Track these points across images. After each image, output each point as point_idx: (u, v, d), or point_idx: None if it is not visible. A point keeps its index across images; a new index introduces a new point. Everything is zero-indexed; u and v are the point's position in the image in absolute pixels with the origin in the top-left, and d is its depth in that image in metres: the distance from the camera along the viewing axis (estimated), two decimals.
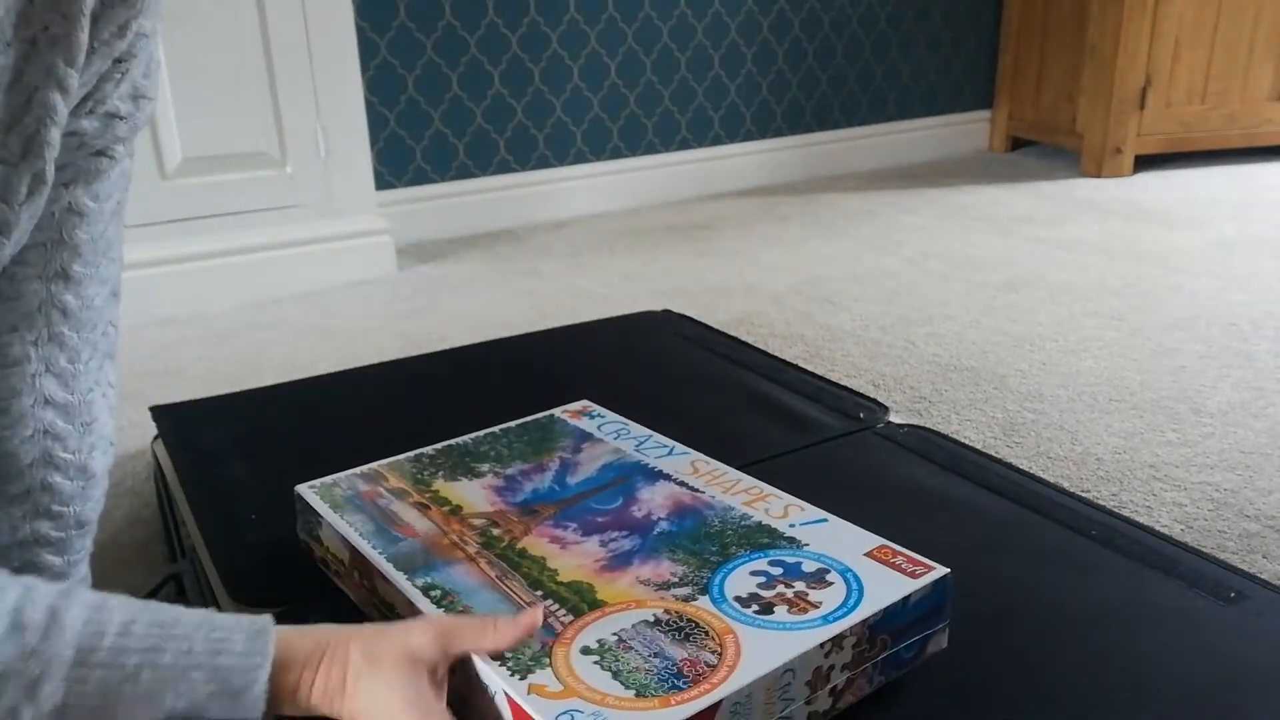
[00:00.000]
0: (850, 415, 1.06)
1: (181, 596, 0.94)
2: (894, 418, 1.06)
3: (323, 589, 0.76)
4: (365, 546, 0.72)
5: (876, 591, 0.64)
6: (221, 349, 1.72)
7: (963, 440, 1.05)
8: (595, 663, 0.59)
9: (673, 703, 0.56)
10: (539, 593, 0.66)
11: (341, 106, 1.98)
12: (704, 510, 0.75)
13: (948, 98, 3.09)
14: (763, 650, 0.60)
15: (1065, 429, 1.37)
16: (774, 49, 2.76)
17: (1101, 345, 1.65)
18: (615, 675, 0.58)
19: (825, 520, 0.73)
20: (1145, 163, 2.82)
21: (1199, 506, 1.17)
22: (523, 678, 0.58)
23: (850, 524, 0.72)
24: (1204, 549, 0.95)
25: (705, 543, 0.71)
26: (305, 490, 0.79)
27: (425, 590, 0.67)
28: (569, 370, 1.19)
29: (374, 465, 0.83)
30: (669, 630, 0.62)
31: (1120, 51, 2.69)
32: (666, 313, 1.42)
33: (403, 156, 2.35)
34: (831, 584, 0.66)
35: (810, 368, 1.41)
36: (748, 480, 0.80)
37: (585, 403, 0.95)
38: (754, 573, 0.67)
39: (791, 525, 0.73)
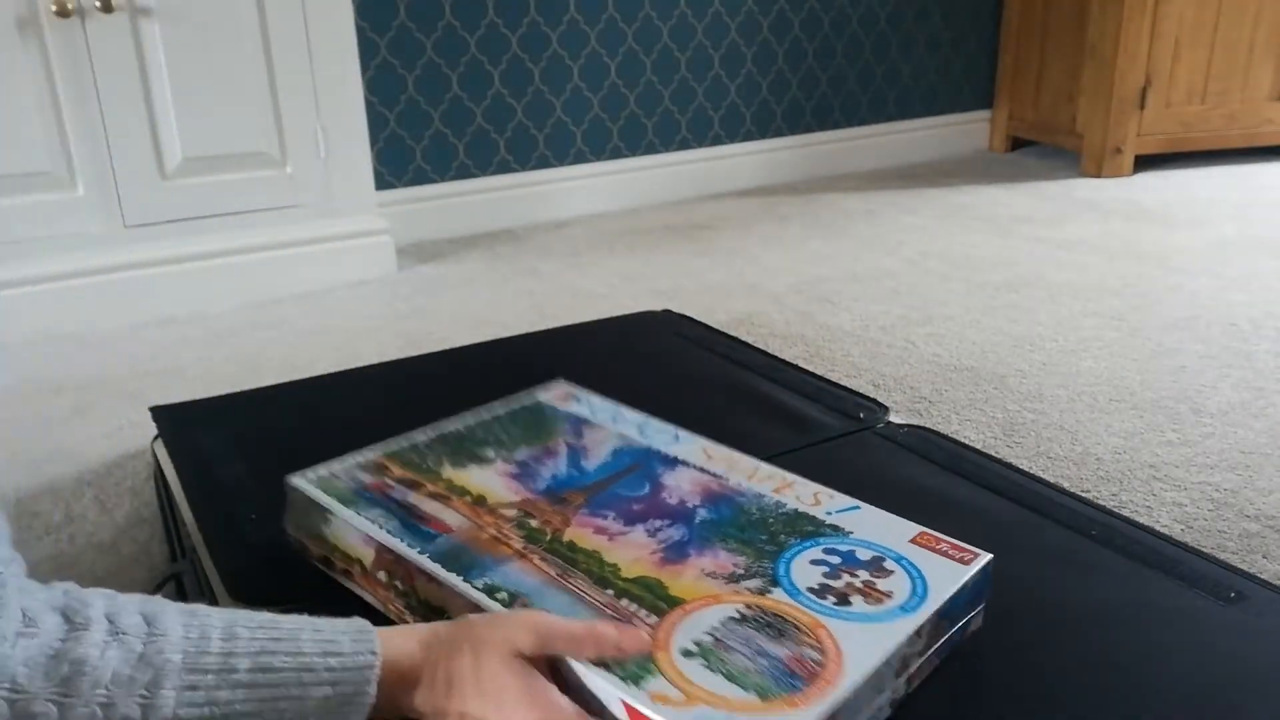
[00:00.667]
0: (850, 415, 1.06)
1: (181, 596, 0.94)
2: (894, 418, 1.06)
3: (324, 589, 0.76)
4: (400, 546, 0.69)
5: (936, 579, 0.65)
6: (221, 349, 1.72)
7: (963, 440, 1.05)
8: (703, 666, 0.58)
9: (799, 704, 0.55)
10: (609, 591, 0.64)
11: (341, 106, 1.98)
12: (736, 497, 0.74)
13: (948, 98, 3.09)
14: (859, 643, 0.59)
15: (1065, 429, 1.37)
16: (774, 49, 2.76)
17: (1101, 345, 1.65)
18: (729, 678, 0.57)
19: (858, 507, 0.73)
20: (1145, 163, 2.82)
21: (1199, 506, 1.17)
22: (638, 685, 0.56)
23: (881, 510, 0.72)
24: (1204, 549, 0.95)
25: (753, 531, 0.70)
26: (302, 483, 0.76)
27: (489, 592, 0.64)
28: (569, 370, 1.19)
29: (366, 454, 0.80)
30: (760, 627, 0.61)
31: (1120, 51, 2.69)
32: (666, 313, 1.42)
33: (403, 156, 2.35)
34: (892, 572, 0.66)
35: (810, 368, 1.41)
36: (765, 467, 0.78)
37: (562, 383, 0.93)
38: (814, 562, 0.67)
39: (828, 513, 0.72)
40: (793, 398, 1.11)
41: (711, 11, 2.64)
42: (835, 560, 0.67)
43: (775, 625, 0.61)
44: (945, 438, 1.01)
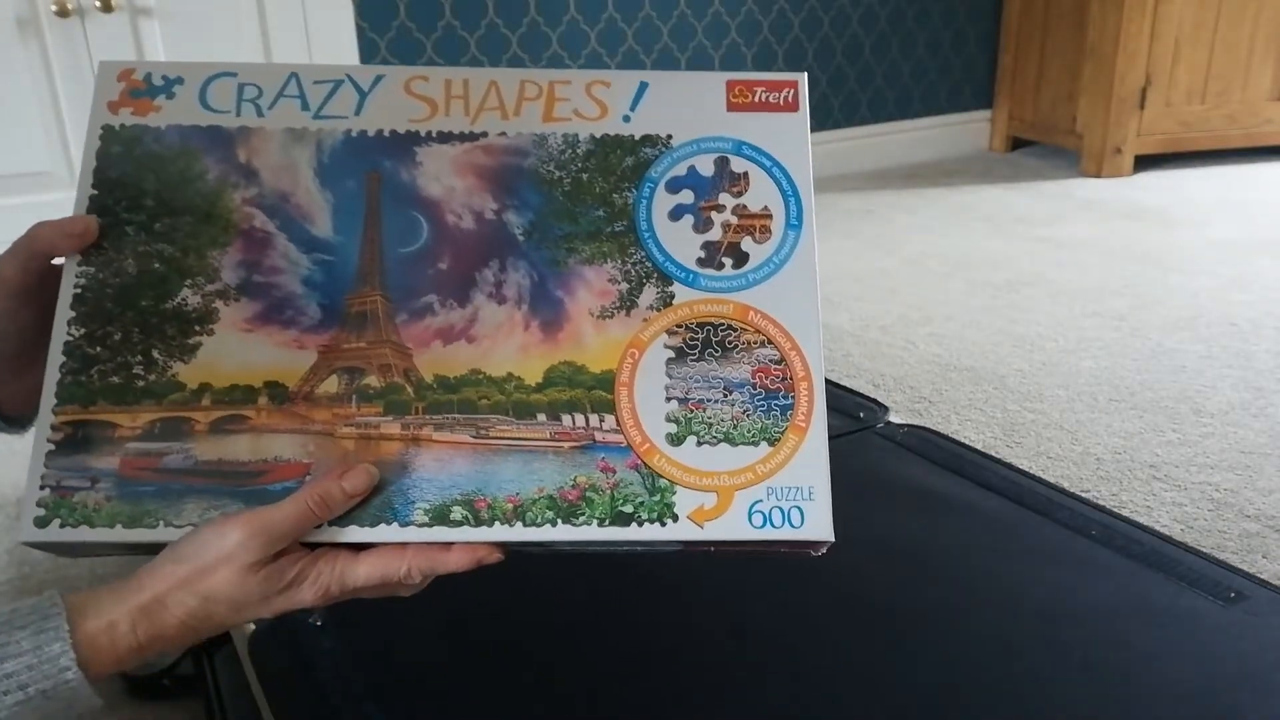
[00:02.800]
0: (850, 415, 1.06)
1: None
2: (894, 418, 1.06)
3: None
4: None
5: (786, 152, 0.57)
6: None
7: (963, 440, 1.05)
8: (697, 443, 0.52)
9: (802, 425, 0.52)
10: (540, 417, 0.53)
11: None
12: (521, 164, 0.57)
13: (948, 98, 3.09)
14: (789, 303, 0.55)
15: (1065, 429, 1.37)
16: (774, 49, 2.75)
17: (1101, 345, 1.65)
18: (731, 441, 0.52)
19: (646, 85, 0.59)
20: (1145, 163, 2.82)
21: (1199, 506, 1.17)
22: (675, 519, 0.51)
23: (673, 73, 0.59)
24: (1204, 549, 0.95)
25: (582, 209, 0.56)
26: (47, 533, 0.52)
27: (439, 518, 0.51)
28: None
29: (46, 418, 0.54)
30: (703, 352, 0.54)
31: (1120, 51, 2.69)
32: None
33: None
34: (744, 174, 0.57)
35: None
36: (503, 75, 0.59)
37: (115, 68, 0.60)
38: (671, 216, 0.57)
39: (625, 118, 0.58)
40: None
41: (711, 11, 2.63)
42: (687, 199, 0.57)
43: (711, 340, 0.54)
44: (945, 438, 1.01)
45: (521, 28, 2.40)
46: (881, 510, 0.86)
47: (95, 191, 0.57)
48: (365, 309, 0.55)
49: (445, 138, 0.57)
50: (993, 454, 1.06)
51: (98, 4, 1.72)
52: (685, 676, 0.68)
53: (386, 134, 0.57)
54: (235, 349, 0.54)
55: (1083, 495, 0.97)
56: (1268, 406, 1.42)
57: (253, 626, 0.73)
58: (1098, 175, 2.78)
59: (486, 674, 0.69)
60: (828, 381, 1.15)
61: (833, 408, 1.08)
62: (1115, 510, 0.90)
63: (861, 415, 1.06)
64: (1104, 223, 2.37)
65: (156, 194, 0.57)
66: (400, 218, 0.56)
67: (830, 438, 1.05)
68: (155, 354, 0.55)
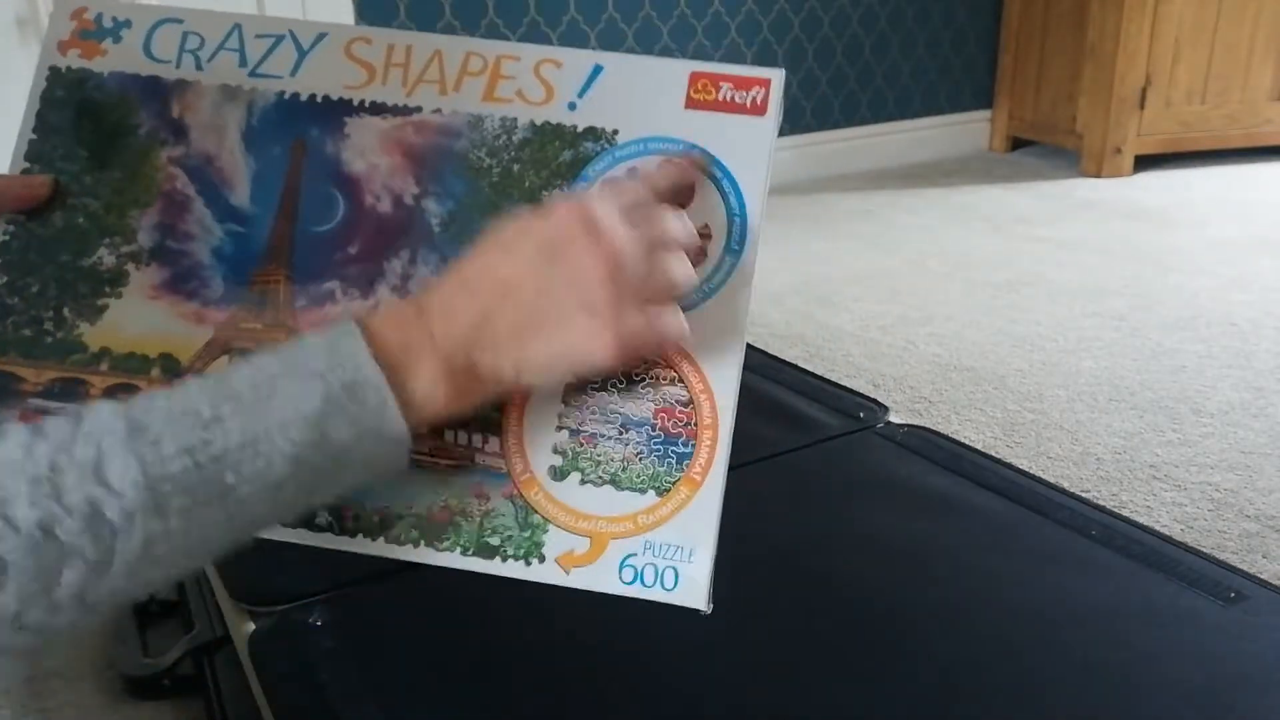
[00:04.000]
0: (850, 415, 1.06)
1: (181, 593, 0.94)
2: (894, 418, 1.06)
3: (325, 589, 0.76)
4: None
5: (741, 164, 0.51)
6: None
7: (963, 440, 1.05)
8: (580, 482, 0.48)
9: (697, 477, 0.48)
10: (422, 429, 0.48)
11: None
12: (453, 145, 0.52)
13: (948, 98, 3.09)
14: (710, 337, 0.49)
15: (1065, 429, 1.37)
16: (774, 49, 2.75)
17: (1101, 345, 1.65)
18: (616, 484, 0.48)
19: (600, 69, 0.52)
20: (1145, 163, 2.81)
21: (1199, 506, 1.17)
22: (541, 560, 0.47)
23: (633, 56, 0.54)
24: (1204, 549, 0.95)
25: (506, 203, 0.51)
26: None
27: (303, 522, 0.49)
28: None
29: None
30: (605, 382, 0.49)
31: (1120, 51, 2.69)
32: None
33: None
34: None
35: (810, 368, 1.41)
36: (448, 44, 0.54)
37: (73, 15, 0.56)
38: None
39: (571, 105, 0.52)
40: (793, 397, 1.11)
41: (711, 11, 2.63)
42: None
43: (616, 370, 0.49)
44: (945, 438, 1.01)
45: (521, 28, 2.40)
46: (881, 510, 0.86)
47: (35, 136, 0.55)
48: (268, 288, 0.52)
49: (377, 109, 0.53)
50: (993, 454, 1.06)
51: None
52: (685, 676, 0.68)
53: (319, 99, 0.53)
54: (138, 315, 0.52)
55: (1083, 495, 0.97)
56: (1268, 406, 1.42)
57: (253, 626, 0.73)
58: (1098, 175, 2.78)
59: (487, 674, 0.69)
60: (826, 381, 1.15)
61: (832, 408, 1.08)
62: (1115, 510, 0.90)
63: (861, 415, 1.06)
64: (1104, 223, 2.37)
65: (91, 145, 0.54)
66: (319, 193, 0.53)
67: (830, 438, 1.05)
68: (66, 311, 0.52)
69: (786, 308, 1.85)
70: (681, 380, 0.49)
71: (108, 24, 0.56)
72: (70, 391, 0.51)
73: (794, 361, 1.37)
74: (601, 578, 0.47)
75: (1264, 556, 1.07)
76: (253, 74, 0.54)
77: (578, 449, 0.49)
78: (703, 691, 0.67)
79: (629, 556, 0.47)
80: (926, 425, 1.11)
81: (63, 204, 0.53)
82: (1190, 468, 1.26)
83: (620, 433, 0.49)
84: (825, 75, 2.85)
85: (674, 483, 0.48)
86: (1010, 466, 0.96)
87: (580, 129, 0.52)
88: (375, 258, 0.52)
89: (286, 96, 0.54)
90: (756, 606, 0.74)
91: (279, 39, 0.54)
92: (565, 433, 0.49)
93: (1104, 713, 0.63)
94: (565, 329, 0.44)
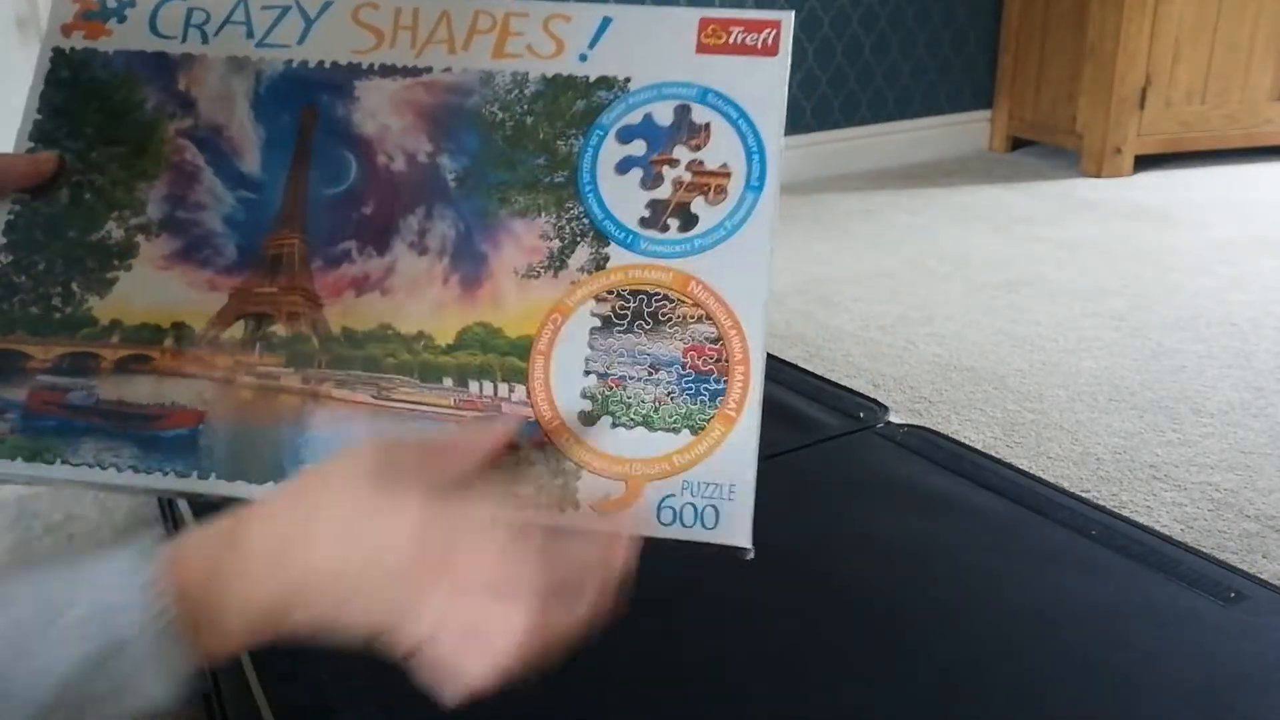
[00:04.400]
0: (850, 415, 1.06)
1: None
2: (894, 418, 1.06)
3: None
4: (172, 483, 0.48)
5: (755, 102, 0.50)
6: None
7: (963, 440, 1.05)
8: (612, 424, 0.47)
9: (732, 413, 0.47)
10: (446, 381, 0.48)
11: None
12: (465, 103, 0.52)
13: (948, 98, 3.09)
14: (736, 272, 0.48)
15: (1065, 429, 1.37)
16: None
17: (1101, 345, 1.65)
18: (649, 424, 0.47)
19: (609, 20, 0.52)
20: (1145, 163, 2.82)
21: (1199, 506, 1.17)
22: (576, 506, 0.46)
23: (638, 6, 0.53)
24: (1204, 549, 0.95)
25: (522, 156, 0.51)
26: None
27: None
28: None
29: None
30: (631, 324, 0.48)
31: (1120, 51, 2.69)
32: None
33: None
34: (707, 125, 0.51)
35: (810, 368, 1.41)
36: (440, 0, 0.53)
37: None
38: (619, 169, 0.50)
39: (582, 57, 0.52)
40: (793, 397, 1.11)
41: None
42: (639, 150, 0.51)
43: (643, 310, 0.49)
44: (945, 438, 1.01)
45: None
46: (881, 510, 0.86)
47: (40, 117, 0.55)
48: (282, 252, 0.51)
49: (387, 71, 0.53)
50: (993, 454, 1.06)
51: None
52: (684, 676, 0.68)
53: (328, 65, 0.53)
54: (149, 286, 0.51)
55: (1083, 495, 0.97)
56: (1268, 406, 1.42)
57: None
58: (1098, 175, 2.78)
59: None
60: (826, 381, 1.15)
61: (832, 407, 1.08)
62: (1115, 510, 0.90)
63: (861, 415, 1.06)
64: (1104, 223, 2.37)
65: (97, 123, 0.54)
66: (330, 157, 0.52)
67: (830, 438, 1.05)
68: (74, 286, 0.52)
69: (787, 308, 1.85)
70: (709, 317, 0.48)
71: (111, 4, 0.56)
72: (81, 366, 0.50)
73: (794, 361, 1.37)
74: (639, 521, 0.46)
75: (1264, 556, 1.07)
76: (260, 44, 0.54)
77: (607, 392, 0.48)
78: (702, 691, 0.67)
79: (667, 498, 0.46)
80: (926, 425, 1.11)
81: (69, 181, 0.53)
82: (1190, 468, 1.26)
83: (650, 373, 0.48)
84: (825, 75, 2.85)
85: (708, 420, 0.47)
86: (1010, 466, 0.96)
87: (592, 79, 0.52)
88: (391, 215, 0.51)
89: (295, 65, 0.53)
90: (756, 606, 0.74)
91: (285, 9, 0.54)
92: (593, 377, 0.48)
93: (1104, 713, 0.63)
94: (381, 600, 0.40)
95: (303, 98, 0.53)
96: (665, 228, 0.50)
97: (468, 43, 0.53)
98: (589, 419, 0.48)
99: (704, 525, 0.47)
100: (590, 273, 0.50)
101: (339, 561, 0.39)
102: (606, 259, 0.50)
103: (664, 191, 0.50)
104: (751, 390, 0.48)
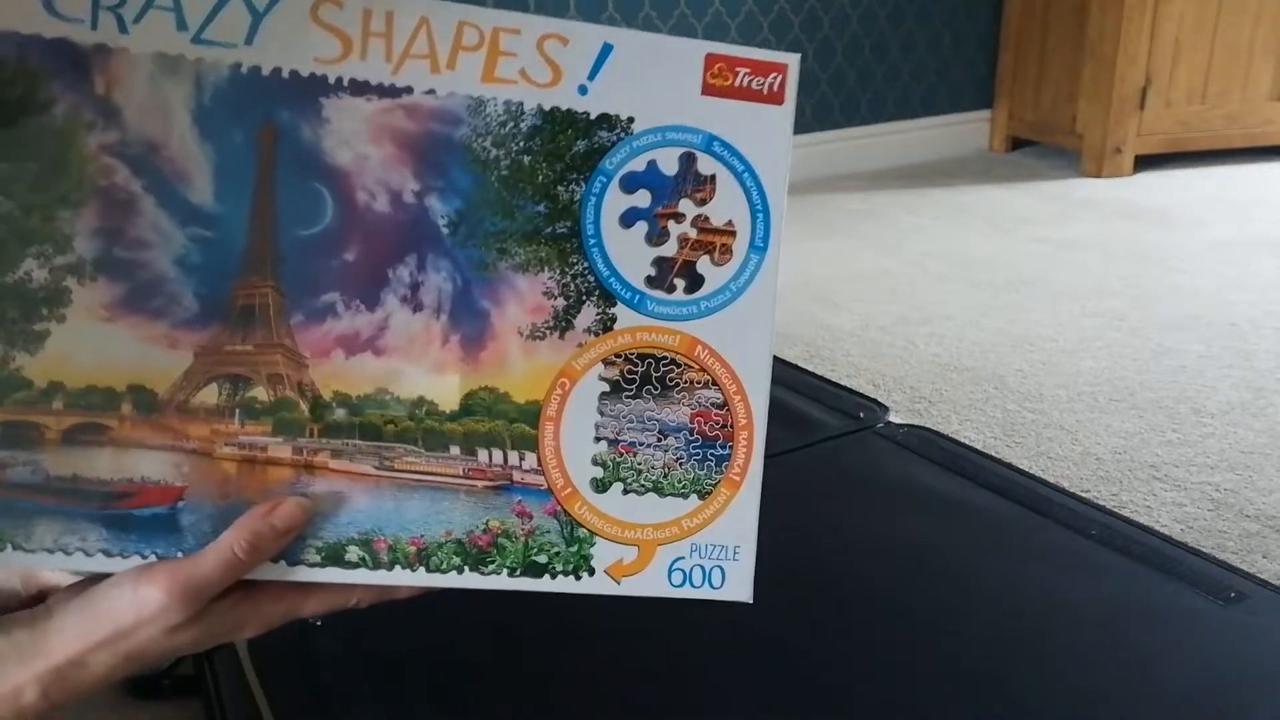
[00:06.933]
0: (850, 415, 1.06)
1: None
2: (894, 418, 1.06)
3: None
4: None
5: (761, 154, 0.49)
6: None
7: (963, 440, 1.05)
8: (623, 492, 0.48)
9: (736, 478, 0.48)
10: (454, 450, 0.47)
11: None
12: (452, 134, 0.46)
13: (948, 98, 3.09)
14: (741, 337, 0.48)
15: (1065, 429, 1.37)
16: (774, 49, 2.75)
17: (1101, 345, 1.65)
18: (659, 491, 0.48)
19: (610, 47, 0.47)
20: (1145, 163, 2.81)
21: (1199, 506, 1.17)
22: (591, 573, 0.47)
23: (641, 33, 0.49)
24: (1204, 549, 0.95)
25: (519, 200, 0.46)
26: None
27: (333, 559, 0.46)
28: None
29: None
30: (639, 389, 0.48)
31: (1120, 51, 2.69)
32: None
33: None
34: (712, 178, 0.48)
35: (810, 368, 1.41)
36: (438, 14, 0.46)
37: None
38: (622, 221, 0.47)
39: (581, 89, 0.47)
40: (793, 397, 1.11)
41: (711, 11, 2.64)
42: (643, 201, 0.47)
43: (651, 375, 0.48)
44: (945, 438, 1.01)
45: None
46: (881, 510, 0.86)
47: None
48: (253, 303, 0.45)
49: (360, 89, 0.45)
50: (993, 454, 1.06)
51: None
52: (684, 677, 0.68)
53: (285, 74, 0.44)
54: (92, 341, 0.44)
55: (1083, 495, 0.97)
56: (1268, 407, 1.42)
57: None
58: (1098, 175, 2.78)
59: (488, 675, 0.69)
60: (826, 381, 1.15)
61: (832, 407, 1.08)
62: (1115, 510, 0.90)
63: (861, 415, 1.06)
64: (1104, 223, 2.37)
65: None
66: (299, 189, 0.45)
67: (830, 438, 1.05)
68: None
69: (786, 308, 1.85)
70: (716, 383, 0.48)
71: None
72: (18, 437, 0.44)
73: (794, 361, 1.37)
74: (651, 584, 0.48)
75: (1264, 556, 1.07)
76: (196, 40, 0.44)
77: (618, 459, 0.48)
78: (702, 691, 0.67)
79: (677, 560, 0.48)
80: (926, 425, 1.11)
81: None
82: (1190, 468, 1.26)
83: (659, 439, 0.48)
84: (825, 75, 2.85)
85: (715, 485, 0.48)
86: (1010, 466, 0.96)
87: (594, 116, 0.47)
88: (378, 264, 0.46)
89: (244, 70, 0.44)
90: (755, 606, 0.74)
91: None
92: (604, 443, 0.48)
93: (1104, 713, 0.63)
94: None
95: (258, 113, 0.45)
96: (671, 288, 0.48)
97: (453, 60, 0.46)
98: (601, 486, 0.48)
99: (710, 585, 0.49)
100: (597, 334, 0.48)
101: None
102: (614, 320, 0.48)
103: (670, 249, 0.48)
104: (755, 456, 0.49)
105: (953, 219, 2.44)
